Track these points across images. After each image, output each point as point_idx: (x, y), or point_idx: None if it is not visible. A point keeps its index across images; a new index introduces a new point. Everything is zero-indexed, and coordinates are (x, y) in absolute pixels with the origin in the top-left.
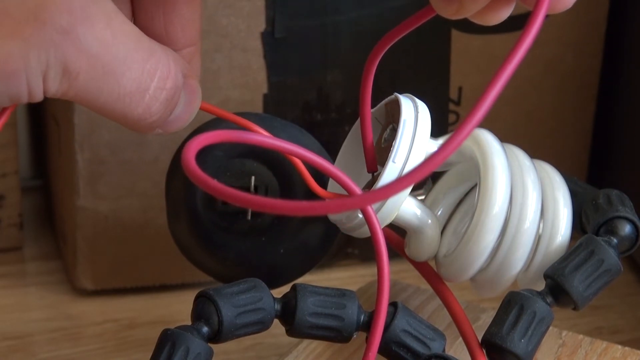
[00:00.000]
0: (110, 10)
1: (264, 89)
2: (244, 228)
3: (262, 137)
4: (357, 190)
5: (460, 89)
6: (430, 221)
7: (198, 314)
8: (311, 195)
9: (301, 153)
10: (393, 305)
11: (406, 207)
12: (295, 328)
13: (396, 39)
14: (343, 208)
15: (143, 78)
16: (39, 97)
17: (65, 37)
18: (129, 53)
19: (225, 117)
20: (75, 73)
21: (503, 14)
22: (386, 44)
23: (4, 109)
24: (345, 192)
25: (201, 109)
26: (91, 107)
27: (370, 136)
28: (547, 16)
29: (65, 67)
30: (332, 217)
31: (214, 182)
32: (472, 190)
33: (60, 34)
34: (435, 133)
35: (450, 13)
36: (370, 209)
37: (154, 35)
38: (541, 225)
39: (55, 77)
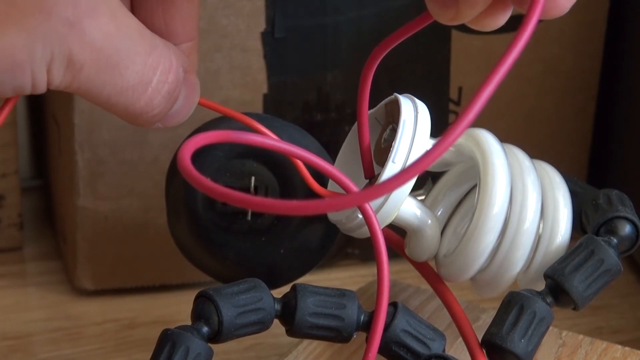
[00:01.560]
0: (114, 4)
1: (264, 89)
2: (244, 228)
3: (258, 137)
4: (354, 188)
5: (460, 89)
6: (430, 221)
7: (198, 314)
8: (312, 196)
9: (299, 153)
10: (393, 305)
11: (406, 207)
12: (295, 328)
13: (393, 45)
14: (340, 206)
15: (146, 71)
16: (42, 88)
17: (70, 29)
18: (132, 46)
19: (232, 115)
20: (80, 65)
21: (500, 20)
22: (383, 50)
23: (7, 100)
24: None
25: (210, 107)
26: (94, 100)
27: (368, 143)
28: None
29: (69, 59)
30: (332, 217)
31: (208, 182)
32: (472, 190)
33: (66, 25)
34: (435, 133)
35: (447, 19)
36: (370, 209)
37: (154, 30)
38: (541, 226)
39: (60, 69)
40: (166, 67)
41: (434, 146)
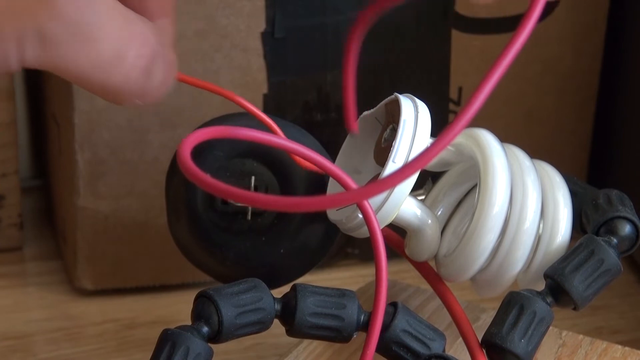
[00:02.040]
0: None
1: (264, 89)
2: (244, 228)
3: (257, 133)
4: (354, 185)
5: (460, 89)
6: (430, 221)
7: (198, 314)
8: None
9: (299, 150)
10: (393, 305)
11: (406, 207)
12: (295, 328)
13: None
14: (341, 202)
15: (121, 45)
16: (15, 66)
17: (42, 3)
18: (106, 20)
19: (236, 101)
20: (51, 40)
21: None
22: (372, 13)
23: None
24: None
25: (216, 92)
26: (68, 77)
27: (352, 94)
28: (546, 14)
29: (41, 35)
30: (332, 217)
31: (208, 178)
32: (472, 190)
33: (37, 1)
34: (435, 133)
35: None
36: (370, 208)
37: (128, 5)
38: (541, 225)
39: (32, 44)
40: (141, 41)
41: (435, 142)
